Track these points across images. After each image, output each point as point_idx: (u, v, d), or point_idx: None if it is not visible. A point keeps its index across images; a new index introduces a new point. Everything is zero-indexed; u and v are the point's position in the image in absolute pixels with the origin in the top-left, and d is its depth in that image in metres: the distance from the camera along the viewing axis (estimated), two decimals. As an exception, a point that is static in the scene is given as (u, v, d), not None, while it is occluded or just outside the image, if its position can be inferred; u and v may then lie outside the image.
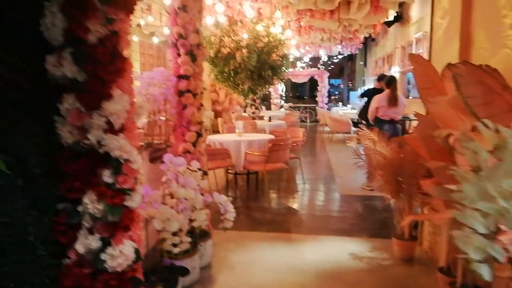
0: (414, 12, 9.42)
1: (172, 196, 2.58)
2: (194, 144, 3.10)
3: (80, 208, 1.43)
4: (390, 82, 5.04)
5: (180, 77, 2.98)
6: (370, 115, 5.10)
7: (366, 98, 8.21)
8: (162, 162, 2.76)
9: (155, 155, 3.01)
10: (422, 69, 2.35)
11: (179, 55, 2.99)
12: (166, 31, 9.99)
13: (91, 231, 1.45)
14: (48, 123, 1.34)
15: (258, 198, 4.93)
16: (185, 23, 2.93)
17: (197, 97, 3.07)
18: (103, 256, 1.41)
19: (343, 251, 3.25)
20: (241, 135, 5.24)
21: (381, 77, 5.98)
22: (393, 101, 4.94)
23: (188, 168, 2.81)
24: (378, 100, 5.00)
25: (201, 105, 3.16)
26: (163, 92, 2.97)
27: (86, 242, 1.41)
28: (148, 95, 2.92)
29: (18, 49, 1.25)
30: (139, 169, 1.51)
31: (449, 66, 1.76)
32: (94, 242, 1.41)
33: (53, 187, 1.38)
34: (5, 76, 1.17)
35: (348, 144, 3.18)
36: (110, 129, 1.39)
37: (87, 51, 1.31)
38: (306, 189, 5.38)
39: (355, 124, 11.10)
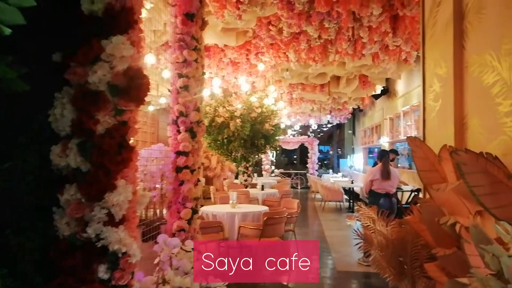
0: (400, 87, 9.92)
1: (164, 282, 2.42)
2: (190, 222, 2.99)
3: (70, 308, 1.31)
4: (381, 156, 5.12)
5: (179, 153, 2.97)
6: (365, 188, 5.09)
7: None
8: (155, 241, 2.64)
9: (149, 234, 2.89)
10: (421, 151, 2.38)
11: (179, 131, 3.01)
12: (162, 100, 10.29)
13: (79, 335, 1.31)
14: (45, 216, 1.27)
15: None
16: (186, 101, 2.99)
17: (194, 173, 3.04)
18: None
19: None
20: (235, 207, 5.13)
21: (392, 151, 6.15)
22: (385, 174, 4.98)
23: (182, 249, 2.68)
24: (371, 173, 5.03)
25: (198, 180, 3.11)
26: (160, 168, 2.93)
27: None
28: (145, 171, 2.87)
29: (26, 141, 1.22)
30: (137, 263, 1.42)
31: (451, 153, 1.78)
32: None
33: (45, 285, 1.27)
34: (13, 169, 1.13)
35: (348, 223, 3.11)
36: (110, 221, 1.33)
37: (94, 142, 1.29)
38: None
39: (347, 192, 11.08)
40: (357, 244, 3.14)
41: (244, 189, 7.55)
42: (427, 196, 2.81)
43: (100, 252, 1.33)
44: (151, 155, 2.87)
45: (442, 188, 1.94)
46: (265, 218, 4.37)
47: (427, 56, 3.22)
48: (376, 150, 16.01)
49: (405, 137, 9.08)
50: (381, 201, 4.94)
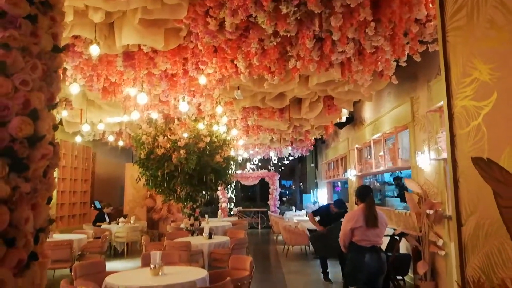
0: (367, 113, 8.90)
1: None
2: None
3: None
4: (364, 195, 3.74)
5: (-24, 204, 1.39)
6: (343, 240, 3.66)
7: (319, 217, 6.95)
8: None
9: None
10: (505, 187, 0.99)
11: (-16, 157, 1.45)
12: (101, 127, 8.48)
13: None
14: None
15: None
16: (1, 94, 1.47)
17: (19, 243, 1.46)
18: None
19: None
20: (158, 273, 3.49)
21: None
22: (371, 220, 3.58)
23: None
24: (352, 219, 3.62)
25: (33, 257, 1.53)
26: None
27: None
28: None
29: None
30: None
31: None
32: None
33: None
34: None
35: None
36: None
37: None
38: None
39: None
40: None
41: (184, 240, 5.88)
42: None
43: None
44: None
45: None
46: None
47: (453, 28, 1.96)
48: (339, 183, 14.89)
49: (377, 170, 7.90)
50: (366, 258, 3.52)
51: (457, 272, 1.82)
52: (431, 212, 5.39)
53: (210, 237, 6.25)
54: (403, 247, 6.08)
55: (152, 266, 3.53)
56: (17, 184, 1.47)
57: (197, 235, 7.24)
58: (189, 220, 7.83)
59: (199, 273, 3.61)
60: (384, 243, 5.68)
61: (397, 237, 5.72)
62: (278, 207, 17.44)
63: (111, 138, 9.63)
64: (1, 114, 1.46)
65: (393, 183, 10.33)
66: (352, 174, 10.05)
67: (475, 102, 1.70)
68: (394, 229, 5.96)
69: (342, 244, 3.65)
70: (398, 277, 5.56)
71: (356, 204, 3.83)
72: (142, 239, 6.22)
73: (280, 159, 18.06)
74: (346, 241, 3.62)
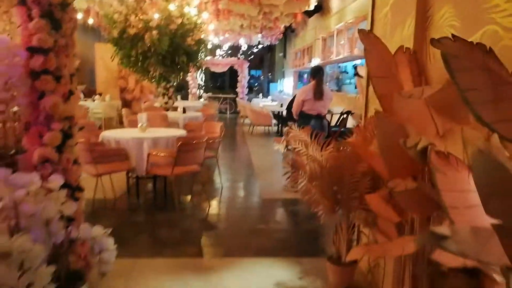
0: (334, 3, 9.20)
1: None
2: (60, 149, 2.14)
3: None
4: (316, 73, 4.52)
5: (32, 50, 1.99)
6: (295, 109, 4.53)
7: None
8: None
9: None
10: (376, 51, 1.74)
11: (30, 17, 2.00)
12: None
13: None
14: None
15: (165, 209, 4.06)
16: (37, -33, 1.95)
17: (62, 81, 2.12)
18: None
19: (267, 280, 2.59)
20: (145, 131, 4.29)
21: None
22: (318, 94, 4.43)
23: (43, 187, 1.87)
24: (304, 93, 4.44)
25: (71, 92, 2.20)
26: (5, 72, 1.95)
27: None
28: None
29: None
30: None
31: (434, 41, 1.13)
32: None
33: None
34: None
35: (276, 147, 2.50)
36: None
37: None
38: (224, 195, 4.65)
39: (276, 117, 10.69)
40: (285, 174, 2.57)
41: (162, 113, 6.64)
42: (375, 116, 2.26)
43: None
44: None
45: (416, 94, 1.32)
46: (179, 144, 3.63)
47: None
48: (305, 75, 15.65)
49: (337, 58, 8.61)
50: (312, 122, 4.45)
51: (362, 113, 2.70)
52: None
53: (184, 111, 7.03)
54: (351, 124, 7.18)
55: (140, 125, 4.30)
56: (56, 39, 2.07)
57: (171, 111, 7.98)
58: (163, 98, 8.50)
59: (179, 131, 4.46)
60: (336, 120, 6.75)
61: (345, 115, 6.75)
62: (246, 95, 18.24)
63: (79, 16, 9.48)
64: (40, -17, 1.97)
65: (352, 73, 11.19)
66: (315, 63, 10.73)
67: (387, -5, 2.35)
68: (344, 109, 6.97)
69: (295, 112, 4.54)
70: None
71: (309, 81, 4.62)
72: (123, 111, 6.91)
73: (250, 47, 18.21)
74: (298, 110, 4.50)
